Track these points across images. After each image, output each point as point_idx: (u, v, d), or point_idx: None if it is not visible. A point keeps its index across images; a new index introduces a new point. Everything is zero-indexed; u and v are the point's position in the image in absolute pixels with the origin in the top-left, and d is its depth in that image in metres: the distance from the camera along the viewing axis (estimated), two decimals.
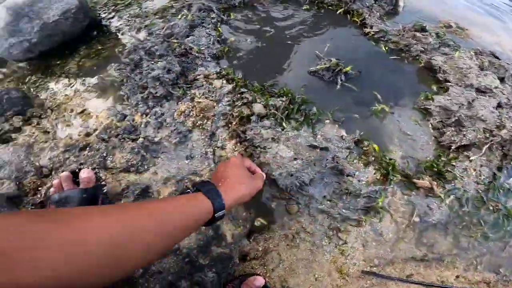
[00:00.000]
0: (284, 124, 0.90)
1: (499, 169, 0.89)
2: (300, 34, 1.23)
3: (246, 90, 0.96)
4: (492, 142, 0.89)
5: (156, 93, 0.92)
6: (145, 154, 0.85)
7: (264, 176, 0.74)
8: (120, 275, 0.36)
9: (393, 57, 1.17)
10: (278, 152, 0.81)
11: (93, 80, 1.07)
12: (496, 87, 1.01)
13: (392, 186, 0.82)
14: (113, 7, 1.36)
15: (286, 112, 0.92)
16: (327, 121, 0.95)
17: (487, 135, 0.91)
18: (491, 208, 0.82)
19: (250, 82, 1.02)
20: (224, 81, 0.99)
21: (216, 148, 0.88)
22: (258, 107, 0.91)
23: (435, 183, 0.81)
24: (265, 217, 0.80)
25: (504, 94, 1.01)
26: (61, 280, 0.30)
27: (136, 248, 0.37)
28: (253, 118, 0.88)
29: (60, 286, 0.30)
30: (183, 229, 0.45)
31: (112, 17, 1.31)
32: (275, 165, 0.80)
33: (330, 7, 1.35)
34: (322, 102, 0.99)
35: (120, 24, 1.26)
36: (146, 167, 0.84)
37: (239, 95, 0.94)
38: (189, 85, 0.99)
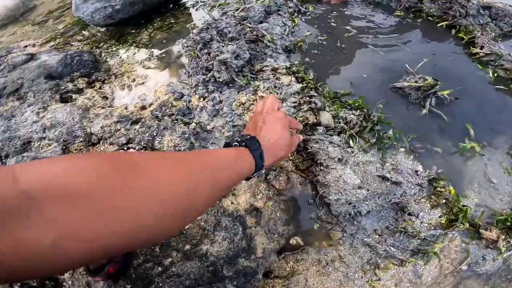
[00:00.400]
0: (351, 142, 0.77)
1: None
2: (386, 42, 1.07)
3: (316, 94, 0.84)
4: None
5: (219, 77, 0.85)
6: (194, 142, 0.78)
7: (301, 138, 0.69)
8: (182, 226, 0.40)
9: (498, 87, 0.95)
10: (342, 176, 0.68)
11: (160, 53, 1.04)
12: None
13: (454, 232, 0.71)
14: None
15: (358, 129, 0.78)
16: (402, 149, 0.80)
17: None
18: None
19: (322, 85, 0.90)
20: (293, 79, 0.88)
21: None
22: (326, 117, 0.79)
23: (503, 236, 0.70)
24: (302, 237, 0.72)
25: None
26: (136, 230, 0.29)
27: (198, 199, 0.38)
28: (320, 129, 0.76)
29: (134, 238, 0.29)
30: (230, 184, 0.45)
31: None
32: (335, 189, 0.68)
33: (429, 17, 1.15)
34: (400, 125, 0.84)
35: (196, 0, 1.22)
36: None
37: (307, 98, 0.83)
38: (254, 76, 0.90)
